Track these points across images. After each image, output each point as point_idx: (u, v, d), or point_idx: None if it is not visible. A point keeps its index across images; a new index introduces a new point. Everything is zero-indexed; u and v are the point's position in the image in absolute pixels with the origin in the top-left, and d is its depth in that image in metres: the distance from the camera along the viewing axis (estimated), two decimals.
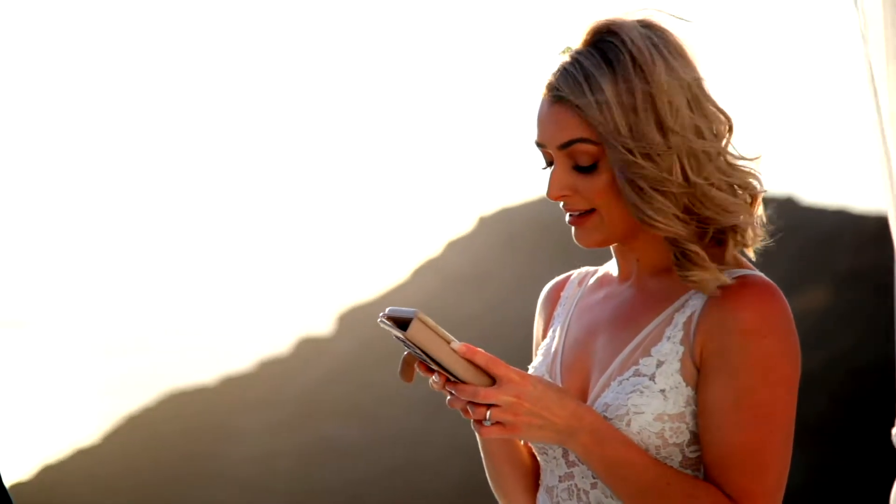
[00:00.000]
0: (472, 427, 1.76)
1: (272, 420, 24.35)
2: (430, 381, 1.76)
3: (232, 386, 26.09)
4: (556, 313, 2.07)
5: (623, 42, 1.81)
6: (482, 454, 2.05)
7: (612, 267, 2.02)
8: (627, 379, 1.84)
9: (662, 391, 1.82)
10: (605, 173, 1.84)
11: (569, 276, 2.12)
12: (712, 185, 1.82)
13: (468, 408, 1.74)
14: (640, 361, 1.85)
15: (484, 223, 28.78)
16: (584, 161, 1.84)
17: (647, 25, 1.84)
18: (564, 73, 1.84)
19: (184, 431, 24.37)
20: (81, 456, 24.00)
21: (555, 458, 1.93)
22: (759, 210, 1.88)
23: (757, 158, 1.87)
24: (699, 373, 1.81)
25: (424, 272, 28.42)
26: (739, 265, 1.86)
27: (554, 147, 1.86)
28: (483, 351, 1.73)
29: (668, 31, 1.85)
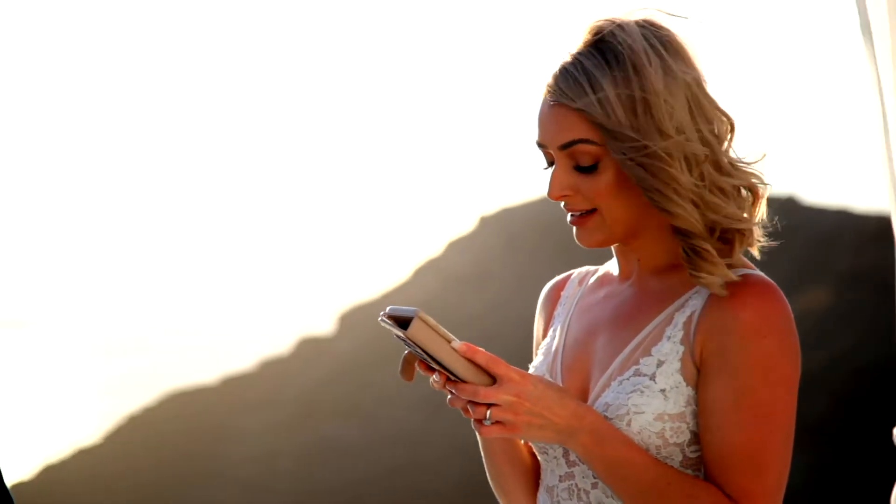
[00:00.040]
0: (473, 426, 1.76)
1: (273, 420, 24.36)
2: (431, 380, 1.77)
3: (233, 386, 26.10)
4: (556, 313, 2.07)
5: (623, 42, 1.81)
6: (482, 454, 2.05)
7: (612, 266, 2.02)
8: (628, 379, 1.84)
9: (663, 391, 1.82)
10: (606, 173, 1.84)
11: (569, 276, 2.12)
12: (714, 185, 1.82)
13: (468, 407, 1.74)
14: (641, 361, 1.85)
15: (485, 223, 28.78)
16: (585, 161, 1.84)
17: (647, 25, 1.84)
18: (565, 73, 1.84)
19: (185, 431, 24.38)
20: (82, 456, 24.01)
21: (555, 457, 1.93)
22: (763, 209, 1.88)
23: (760, 160, 1.87)
24: (699, 372, 1.82)
25: (425, 272, 28.43)
26: (740, 264, 1.86)
27: (555, 147, 1.86)
28: (483, 350, 1.73)
29: (668, 30, 1.85)
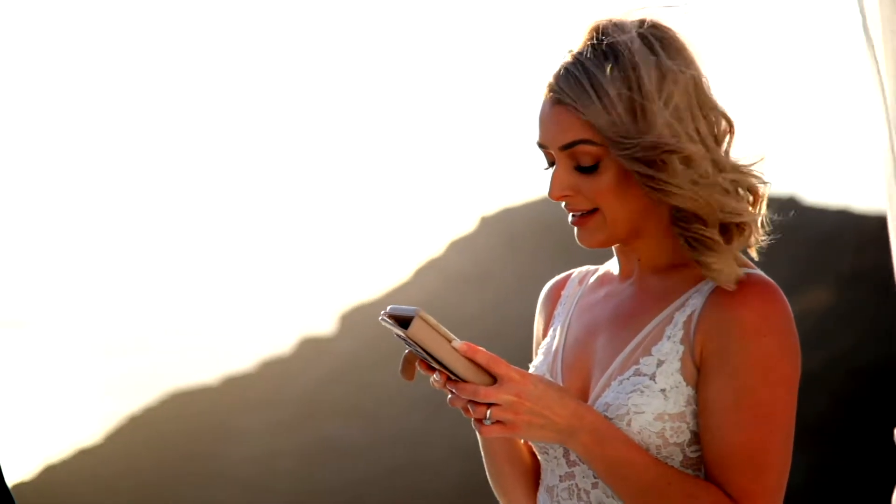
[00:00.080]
0: (473, 426, 1.76)
1: (273, 420, 24.35)
2: (431, 379, 1.77)
3: (233, 386, 26.09)
4: (556, 312, 2.07)
5: (624, 42, 1.81)
6: (483, 453, 2.05)
7: (612, 265, 2.02)
8: (628, 378, 1.84)
9: (663, 391, 1.82)
10: (606, 173, 1.84)
11: (569, 275, 2.12)
12: (714, 182, 1.82)
13: (469, 406, 1.74)
14: (641, 361, 1.85)
15: (486, 223, 28.77)
16: (586, 161, 1.85)
17: (647, 25, 1.84)
18: (566, 73, 1.84)
19: (185, 431, 24.38)
20: (83, 456, 24.01)
21: (556, 457, 1.93)
22: (762, 209, 1.88)
23: (758, 161, 1.87)
24: (699, 372, 1.81)
25: (426, 272, 28.41)
26: (741, 263, 1.86)
27: (556, 148, 1.86)
28: (484, 350, 1.73)
29: (669, 30, 1.85)
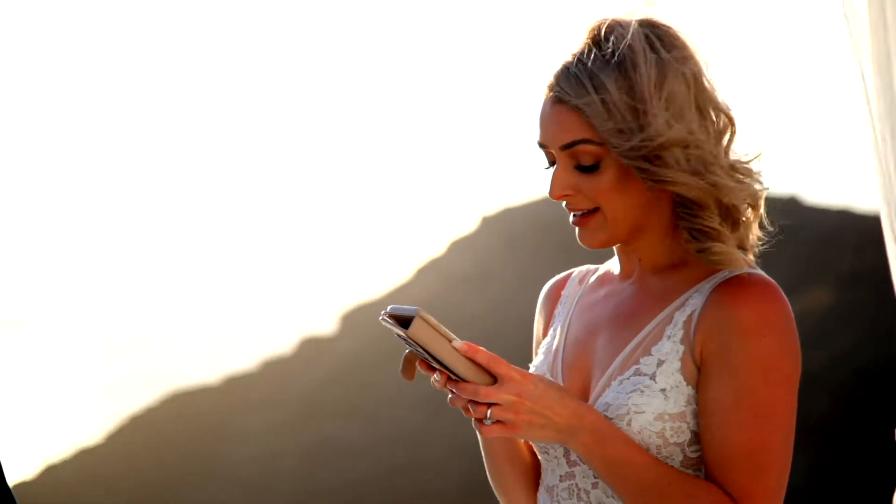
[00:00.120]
0: (474, 426, 1.76)
1: (275, 420, 24.36)
2: (432, 379, 1.77)
3: (234, 386, 26.09)
4: (556, 312, 2.08)
5: (624, 41, 1.82)
6: (483, 453, 2.05)
7: (613, 265, 2.02)
8: (628, 378, 1.84)
9: (663, 390, 1.82)
10: (607, 172, 1.84)
11: (569, 275, 2.12)
12: (715, 176, 1.82)
13: (469, 406, 1.75)
14: (641, 360, 1.85)
15: (486, 223, 28.76)
16: (587, 161, 1.85)
17: (648, 24, 1.85)
18: (566, 72, 1.85)
19: (186, 431, 24.38)
20: (84, 456, 24.01)
21: (556, 457, 1.93)
22: (761, 211, 1.89)
23: (756, 157, 1.87)
24: (699, 372, 1.82)
25: (427, 272, 28.42)
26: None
27: (556, 148, 1.86)
28: (484, 349, 1.73)
29: (669, 29, 1.86)
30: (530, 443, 2.03)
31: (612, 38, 1.83)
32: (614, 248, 1.97)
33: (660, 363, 1.83)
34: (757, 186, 1.86)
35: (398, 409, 23.50)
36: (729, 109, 1.86)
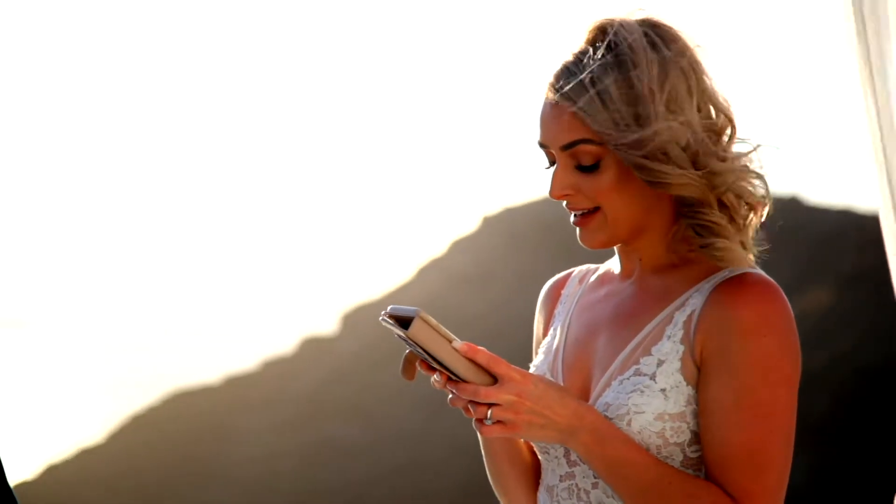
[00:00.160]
0: (474, 426, 1.76)
1: (275, 420, 24.36)
2: (432, 379, 1.77)
3: (235, 385, 26.09)
4: (556, 311, 2.07)
5: (625, 40, 1.82)
6: (483, 453, 2.05)
7: (613, 264, 2.02)
8: (628, 378, 1.84)
9: (663, 390, 1.82)
10: (607, 172, 1.84)
11: (570, 274, 2.12)
12: (716, 174, 1.82)
13: (469, 406, 1.75)
14: (641, 360, 1.85)
15: (488, 223, 28.76)
16: (587, 161, 1.85)
17: (649, 24, 1.85)
18: (567, 72, 1.85)
19: (187, 431, 24.39)
20: (85, 455, 24.01)
21: (556, 457, 1.93)
22: (763, 212, 1.89)
23: (753, 150, 1.87)
24: (699, 372, 1.82)
25: (428, 271, 28.41)
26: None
27: (556, 148, 1.86)
28: (485, 350, 1.73)
29: (670, 29, 1.86)
30: (530, 443, 2.03)
31: (612, 38, 1.83)
32: (615, 247, 1.97)
33: (660, 363, 1.83)
34: (758, 183, 1.86)
35: (399, 409, 23.50)
36: (729, 108, 1.86)
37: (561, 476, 1.92)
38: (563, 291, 2.09)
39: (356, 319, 26.91)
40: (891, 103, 2.26)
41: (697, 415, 1.82)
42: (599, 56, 1.82)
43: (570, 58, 1.86)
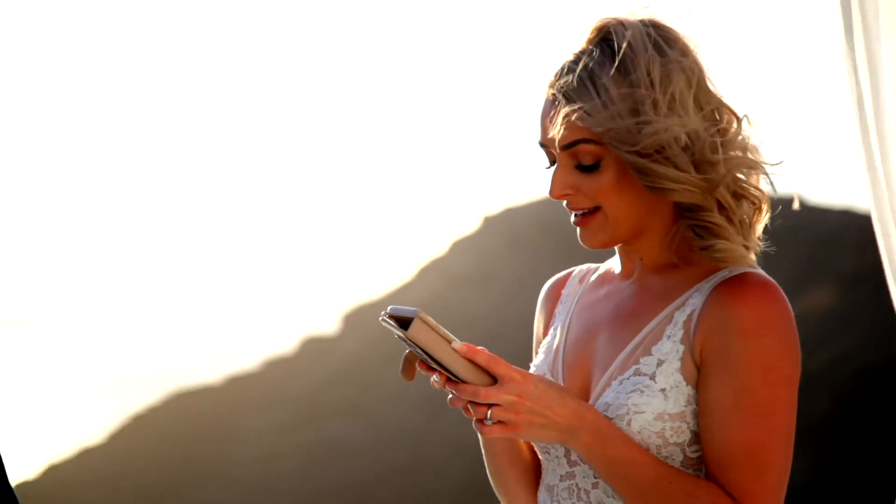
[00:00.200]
0: (474, 426, 1.76)
1: (276, 420, 24.36)
2: (431, 380, 1.77)
3: (236, 385, 26.10)
4: (556, 311, 2.07)
5: (626, 40, 1.81)
6: (483, 453, 2.05)
7: (614, 263, 2.02)
8: (628, 378, 1.84)
9: (663, 390, 1.82)
10: (607, 172, 1.84)
11: (570, 273, 2.11)
12: (718, 178, 1.82)
13: (469, 407, 1.74)
14: (641, 360, 1.85)
15: (488, 223, 28.76)
16: (587, 160, 1.85)
17: (650, 24, 1.84)
18: (567, 72, 1.84)
19: (188, 431, 24.39)
20: (86, 455, 24.02)
21: (557, 457, 1.93)
22: (765, 214, 1.89)
23: (759, 145, 1.87)
24: (699, 372, 1.81)
25: (429, 272, 28.41)
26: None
27: (557, 148, 1.86)
28: (484, 350, 1.73)
29: (672, 29, 1.86)
30: (531, 443, 2.03)
31: (613, 38, 1.83)
32: (616, 247, 1.97)
33: (660, 363, 1.83)
34: (762, 183, 1.86)
35: (399, 409, 23.50)
36: (733, 110, 1.86)
37: (561, 476, 1.92)
38: (563, 291, 2.09)
39: (357, 319, 26.91)
40: (881, 105, 2.26)
41: (697, 415, 1.82)
42: (600, 56, 1.82)
43: (570, 57, 1.86)
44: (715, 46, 1.88)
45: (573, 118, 1.82)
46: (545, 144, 1.88)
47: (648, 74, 1.80)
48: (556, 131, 1.85)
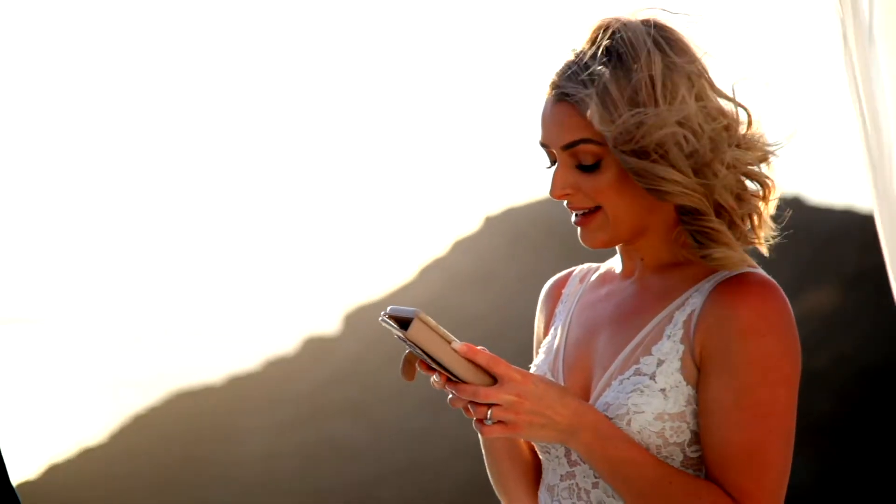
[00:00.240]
0: (474, 426, 1.76)
1: (277, 420, 24.37)
2: (431, 380, 1.77)
3: (237, 385, 26.10)
4: (557, 310, 2.07)
5: (627, 40, 1.81)
6: (484, 453, 2.04)
7: (615, 263, 2.02)
8: (628, 378, 1.84)
9: (663, 390, 1.82)
10: (608, 171, 1.84)
11: (570, 273, 2.11)
12: (718, 179, 1.82)
13: (469, 407, 1.74)
14: (641, 360, 1.84)
15: (490, 223, 28.76)
16: (588, 160, 1.85)
17: (652, 24, 1.84)
18: (568, 71, 1.84)
19: (189, 431, 24.40)
20: (88, 455, 24.03)
21: (557, 457, 1.93)
22: (771, 206, 1.88)
23: (765, 155, 1.86)
24: (699, 372, 1.81)
25: (430, 271, 28.41)
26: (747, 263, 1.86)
27: (557, 148, 1.86)
28: (484, 350, 1.73)
29: (673, 29, 1.85)
30: (531, 442, 2.03)
31: (615, 38, 1.82)
32: (617, 247, 1.97)
33: (660, 363, 1.83)
34: (762, 176, 1.86)
35: (400, 409, 23.51)
36: (736, 114, 1.85)
37: (562, 476, 1.92)
38: (564, 291, 2.09)
39: (358, 320, 26.91)
40: (877, 106, 2.26)
41: (697, 415, 1.81)
42: (601, 56, 1.82)
43: (571, 57, 1.86)
44: (714, 47, 1.87)
45: (574, 118, 1.82)
46: (546, 144, 1.88)
47: (649, 75, 1.80)
48: (557, 131, 1.85)
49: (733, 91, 1.85)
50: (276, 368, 26.52)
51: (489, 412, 1.73)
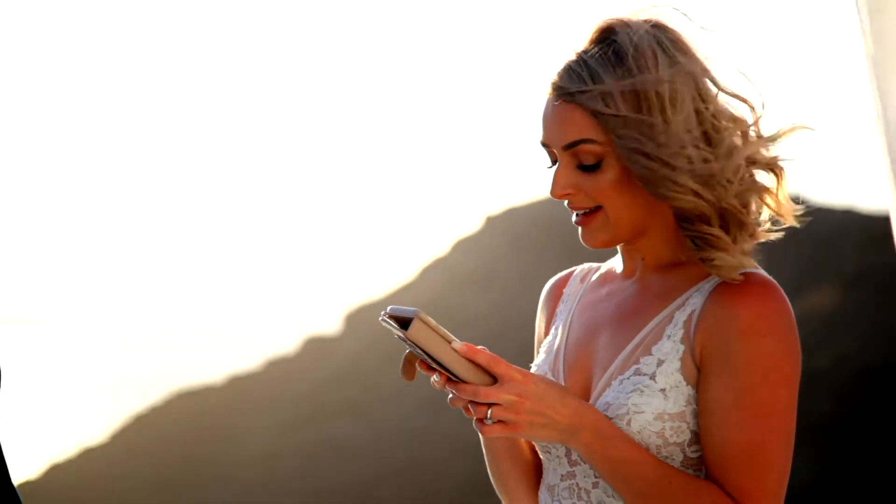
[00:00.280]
0: (475, 426, 1.76)
1: (277, 420, 24.36)
2: (431, 380, 1.77)
3: (238, 385, 26.10)
4: (558, 310, 2.07)
5: (629, 40, 1.81)
6: (484, 452, 2.04)
7: (616, 263, 2.02)
8: (628, 378, 1.84)
9: (663, 390, 1.82)
10: (608, 171, 1.84)
11: (571, 273, 2.11)
12: (719, 179, 1.82)
13: (470, 407, 1.74)
14: (641, 360, 1.84)
15: (491, 223, 28.75)
16: (589, 160, 1.85)
17: (654, 25, 1.84)
18: (569, 71, 1.84)
19: (190, 430, 24.40)
20: (89, 455, 24.04)
21: (557, 456, 1.93)
22: (783, 195, 1.88)
23: (785, 133, 1.86)
24: (699, 372, 1.81)
25: (431, 271, 28.41)
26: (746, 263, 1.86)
27: (559, 147, 1.86)
28: (485, 350, 1.73)
29: (675, 30, 1.85)
30: (532, 442, 2.03)
31: (617, 38, 1.82)
32: (618, 247, 1.97)
33: (660, 363, 1.83)
34: (771, 181, 1.86)
35: (400, 409, 23.50)
36: (742, 117, 1.84)
37: (562, 475, 1.92)
38: (564, 290, 2.09)
39: (359, 319, 26.91)
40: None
41: (697, 415, 1.81)
42: (603, 56, 1.82)
43: (573, 57, 1.86)
44: (719, 47, 1.87)
45: (575, 118, 1.82)
46: (547, 144, 1.88)
47: (651, 76, 1.80)
48: (558, 131, 1.85)
49: (738, 86, 1.85)
50: (277, 368, 26.53)
51: (489, 412, 1.73)
